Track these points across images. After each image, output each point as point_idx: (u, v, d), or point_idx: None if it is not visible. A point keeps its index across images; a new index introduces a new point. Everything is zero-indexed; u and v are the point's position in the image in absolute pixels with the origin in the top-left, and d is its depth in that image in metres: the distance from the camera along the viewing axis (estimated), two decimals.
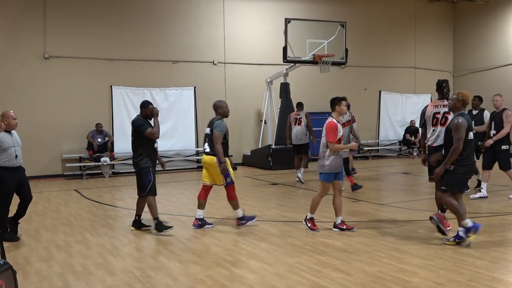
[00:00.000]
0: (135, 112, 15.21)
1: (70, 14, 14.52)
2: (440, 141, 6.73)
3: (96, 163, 14.35)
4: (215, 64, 16.56)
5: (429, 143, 6.99)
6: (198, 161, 16.32)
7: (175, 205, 9.76)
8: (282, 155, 15.10)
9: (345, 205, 9.12)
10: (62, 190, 12.08)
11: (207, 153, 7.38)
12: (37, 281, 5.23)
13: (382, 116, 19.25)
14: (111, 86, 15.03)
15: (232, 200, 7.47)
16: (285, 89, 15.71)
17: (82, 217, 8.67)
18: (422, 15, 20.33)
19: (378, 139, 19.23)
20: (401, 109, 19.53)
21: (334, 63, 14.73)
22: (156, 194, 7.27)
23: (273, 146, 15.40)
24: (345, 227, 7.01)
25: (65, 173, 14.34)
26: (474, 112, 10.02)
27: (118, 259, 6.00)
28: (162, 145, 15.47)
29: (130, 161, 14.98)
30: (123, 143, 15.07)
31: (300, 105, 12.57)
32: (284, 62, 14.57)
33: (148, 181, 7.13)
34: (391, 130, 19.37)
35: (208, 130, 7.38)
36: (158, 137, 7.31)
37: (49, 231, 7.60)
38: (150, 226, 7.37)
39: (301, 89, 17.31)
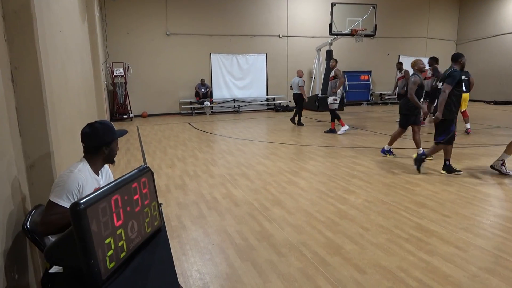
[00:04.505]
0: (227, 72, 15.38)
1: (185, 3, 14.41)
2: None
3: (201, 105, 14.68)
4: (280, 37, 16.01)
5: None
6: (268, 105, 16.28)
7: (252, 134, 9.88)
8: (325, 101, 14.66)
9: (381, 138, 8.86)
10: (179, 123, 12.45)
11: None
12: (166, 179, 5.55)
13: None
14: (210, 54, 15.01)
15: None
16: (329, 54, 15.04)
17: (192, 140, 8.92)
18: None
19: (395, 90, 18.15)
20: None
21: (366, 35, 13.87)
22: (451, 144, 5.44)
23: (320, 95, 14.99)
24: None
25: (181, 112, 14.82)
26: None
27: (216, 168, 6.21)
28: (243, 93, 15.62)
29: (225, 104, 15.48)
30: (218, 92, 15.28)
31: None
32: (329, 35, 13.88)
33: (450, 131, 5.34)
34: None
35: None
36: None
37: (172, 148, 7.91)
38: (461, 171, 5.55)
39: (341, 55, 16.51)
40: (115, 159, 2.37)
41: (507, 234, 3.51)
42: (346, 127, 9.33)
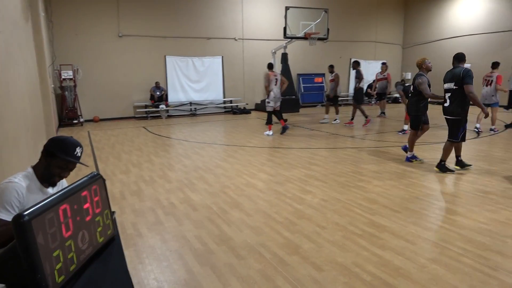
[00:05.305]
0: (182, 75, 15.15)
1: (137, 4, 14.01)
2: None
3: (156, 109, 14.35)
4: (236, 40, 16.06)
5: None
6: (225, 108, 16.25)
7: (209, 137, 9.82)
8: (281, 104, 14.94)
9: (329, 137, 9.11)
10: (134, 127, 12.15)
11: None
12: (120, 186, 5.37)
13: (351, 76, 18.70)
14: (165, 56, 14.73)
15: None
16: (284, 57, 15.30)
17: (148, 145, 8.73)
18: (382, 1, 19.33)
19: (348, 91, 18.86)
20: (364, 71, 18.70)
21: (319, 39, 14.28)
22: (464, 140, 5.62)
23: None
24: None
25: (136, 116, 14.39)
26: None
27: (173, 172, 6.12)
28: (200, 96, 15.47)
29: (181, 107, 15.23)
30: (174, 95, 15.01)
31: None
32: (284, 38, 14.13)
33: (462, 129, 5.51)
34: None
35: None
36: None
37: (127, 154, 7.70)
38: (471, 165, 5.88)
39: (296, 57, 16.89)
40: (56, 182, 2.16)
41: (450, 226, 3.76)
42: (270, 132, 9.77)
